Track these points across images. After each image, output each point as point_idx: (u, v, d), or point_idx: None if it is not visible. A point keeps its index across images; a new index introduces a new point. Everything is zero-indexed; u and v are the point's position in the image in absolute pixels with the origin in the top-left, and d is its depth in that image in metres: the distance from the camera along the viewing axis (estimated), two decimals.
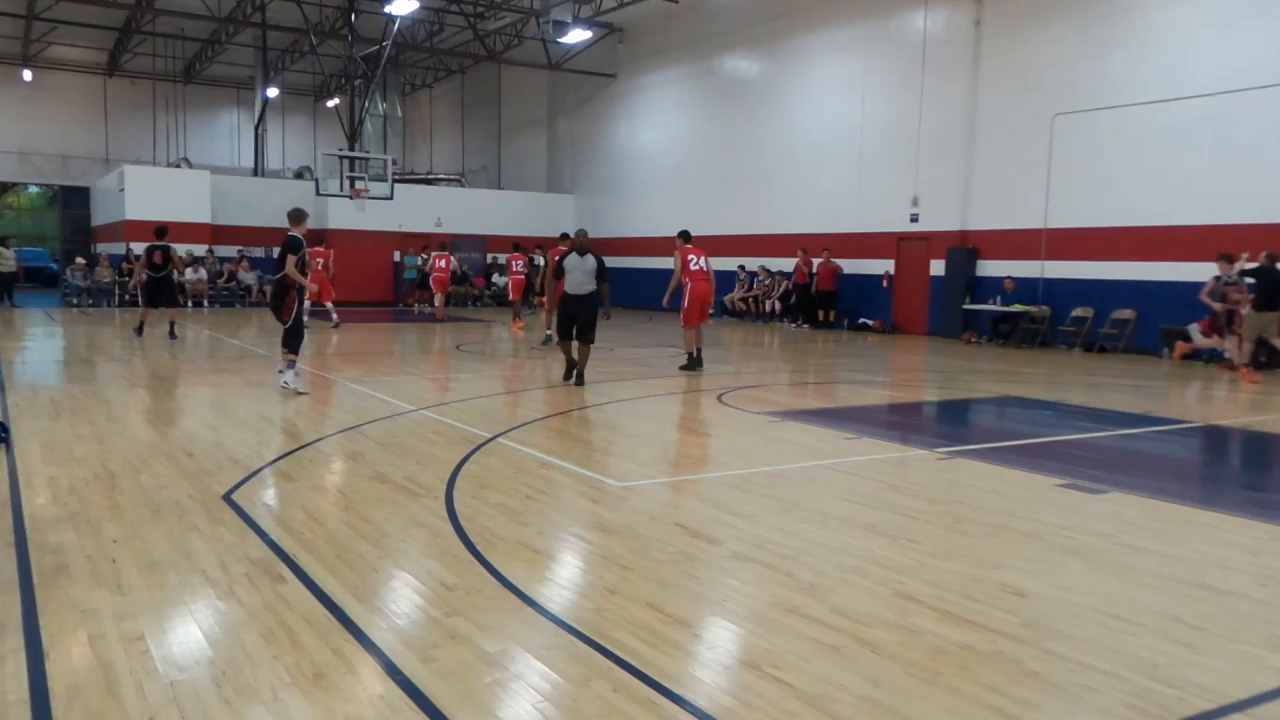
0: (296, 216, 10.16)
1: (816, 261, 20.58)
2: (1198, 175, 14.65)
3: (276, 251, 10.94)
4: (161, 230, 15.31)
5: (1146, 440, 8.33)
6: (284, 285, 9.55)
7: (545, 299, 15.33)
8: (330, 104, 36.40)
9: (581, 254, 10.38)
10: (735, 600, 3.99)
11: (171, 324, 15.69)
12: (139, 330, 15.55)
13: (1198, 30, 14.85)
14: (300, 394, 9.39)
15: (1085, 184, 16.39)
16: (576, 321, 10.29)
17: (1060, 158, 16.78)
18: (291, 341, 9.56)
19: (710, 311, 12.29)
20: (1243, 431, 8.94)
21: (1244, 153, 14.13)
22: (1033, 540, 4.92)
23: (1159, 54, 15.30)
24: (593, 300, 10.33)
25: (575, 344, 10.45)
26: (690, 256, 11.93)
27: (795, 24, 21.94)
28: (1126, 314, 15.77)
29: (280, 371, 9.71)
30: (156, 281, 15.25)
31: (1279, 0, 13.89)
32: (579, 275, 10.33)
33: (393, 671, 3.16)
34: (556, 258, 11.77)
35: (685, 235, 12.50)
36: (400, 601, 3.91)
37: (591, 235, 34.94)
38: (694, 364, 12.08)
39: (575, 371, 10.39)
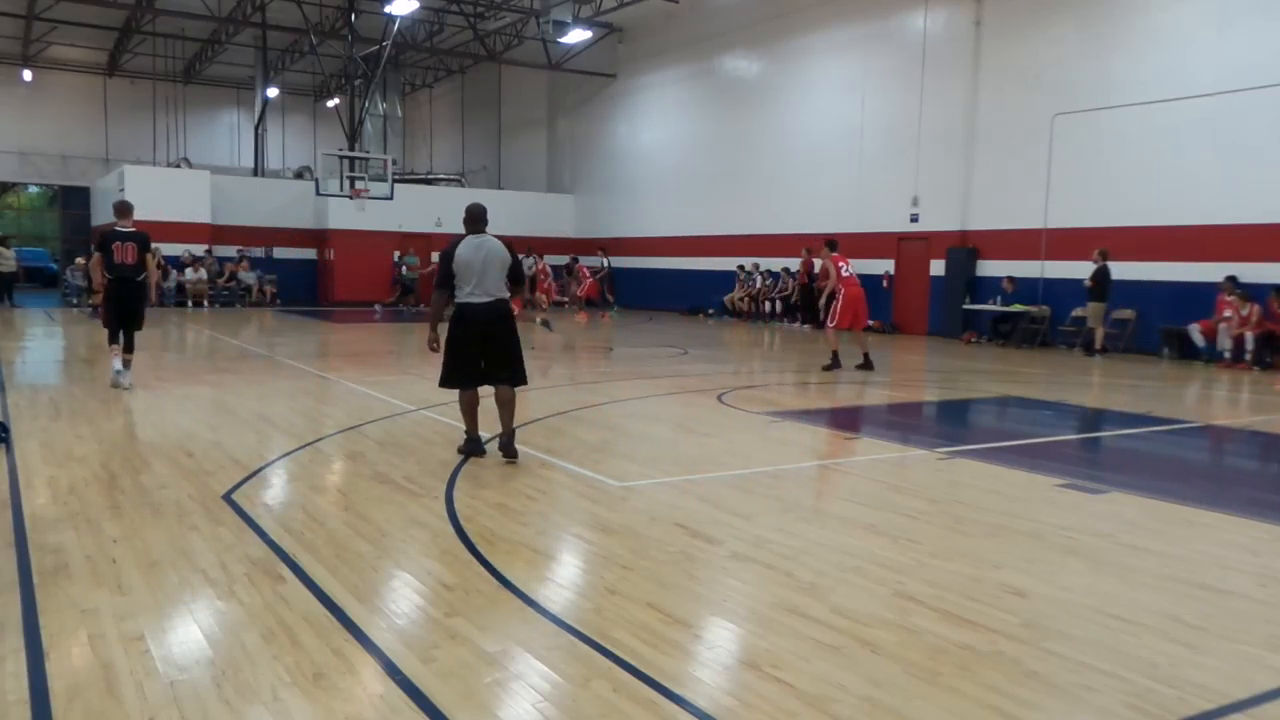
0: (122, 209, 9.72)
1: (819, 262, 20.55)
2: (1198, 175, 14.64)
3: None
4: (124, 207, 9.70)
5: (1146, 440, 8.33)
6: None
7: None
8: (330, 104, 36.39)
9: (479, 236, 6.29)
10: (735, 600, 3.99)
11: (127, 359, 9.73)
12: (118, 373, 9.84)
13: (1197, 30, 14.84)
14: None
15: (1085, 184, 16.39)
16: (484, 353, 6.30)
17: (1060, 158, 16.78)
18: None
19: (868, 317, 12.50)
20: (1243, 431, 8.94)
21: (1244, 153, 14.12)
22: (1033, 540, 4.92)
23: (1159, 54, 15.29)
24: (501, 313, 6.31)
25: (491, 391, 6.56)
26: (841, 264, 12.17)
27: (795, 24, 21.94)
28: (1127, 314, 15.77)
29: None
30: (125, 287, 9.59)
31: (1279, 1, 13.89)
32: (475, 272, 6.18)
33: (393, 671, 3.16)
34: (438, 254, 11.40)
35: (833, 244, 12.52)
36: (400, 601, 3.91)
37: (592, 235, 34.79)
38: (835, 364, 12.34)
39: (503, 441, 6.45)
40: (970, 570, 4.38)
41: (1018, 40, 17.46)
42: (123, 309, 9.64)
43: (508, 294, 6.32)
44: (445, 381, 6.42)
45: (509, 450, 6.39)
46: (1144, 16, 15.63)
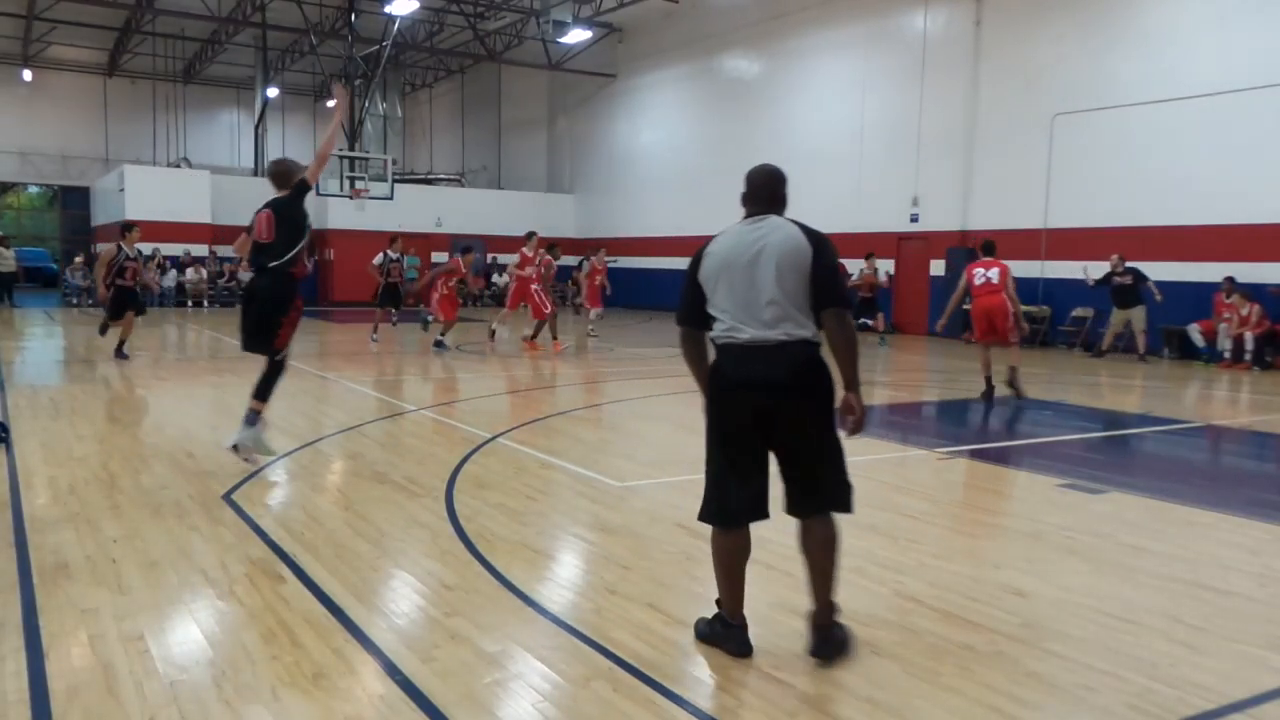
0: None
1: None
2: (1197, 175, 14.63)
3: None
4: (130, 225, 12.47)
5: (1147, 440, 8.33)
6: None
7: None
8: (330, 104, 36.38)
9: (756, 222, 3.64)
10: None
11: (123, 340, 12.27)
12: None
13: (1197, 30, 14.84)
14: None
15: (1085, 184, 16.38)
16: (766, 447, 3.37)
17: (1060, 158, 16.78)
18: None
19: (1013, 326, 10.11)
20: (1243, 431, 8.94)
21: (1244, 152, 14.12)
22: (1033, 540, 4.92)
23: (1159, 54, 15.29)
24: (798, 365, 3.30)
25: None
26: (976, 270, 10.20)
27: (795, 23, 21.94)
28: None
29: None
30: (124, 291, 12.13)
31: (1277, 1, 13.89)
32: (739, 286, 3.39)
33: (393, 671, 3.16)
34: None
35: (987, 247, 10.48)
36: (400, 601, 3.91)
37: (592, 235, 34.77)
38: (989, 393, 10.10)
39: (816, 621, 3.43)
40: (970, 570, 4.38)
41: (1018, 40, 17.46)
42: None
43: (810, 330, 3.29)
44: (706, 513, 3.40)
45: (825, 643, 3.33)
46: (1144, 16, 15.63)
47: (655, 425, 8.58)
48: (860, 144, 20.32)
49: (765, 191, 3.64)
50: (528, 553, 4.53)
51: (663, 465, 6.73)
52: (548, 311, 14.53)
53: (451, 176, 32.96)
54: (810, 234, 3.38)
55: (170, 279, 24.80)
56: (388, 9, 23.37)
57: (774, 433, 3.27)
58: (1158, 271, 15.24)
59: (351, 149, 25.27)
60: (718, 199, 23.61)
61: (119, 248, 11.87)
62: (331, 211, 26.06)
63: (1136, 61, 15.58)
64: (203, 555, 4.36)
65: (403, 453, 6.83)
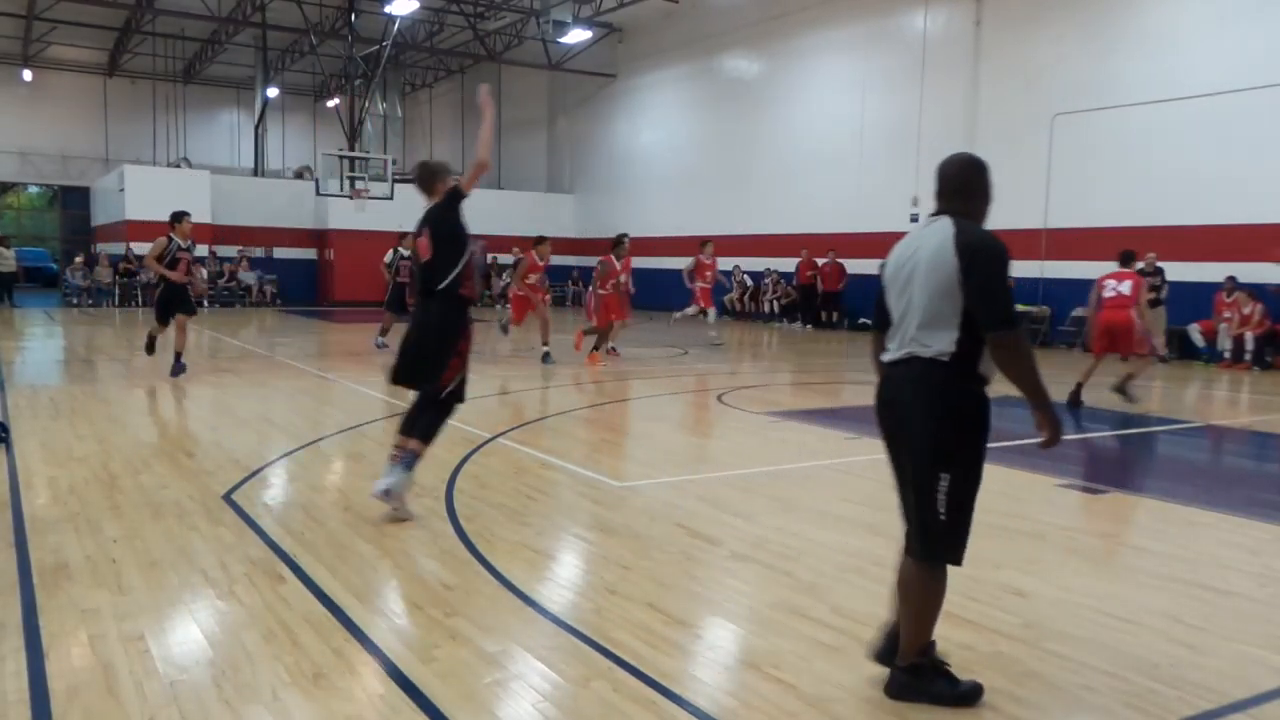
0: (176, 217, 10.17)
1: (822, 261, 20.55)
2: (1197, 175, 14.63)
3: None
4: (180, 215, 10.67)
5: (1146, 440, 8.33)
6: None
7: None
8: (330, 104, 36.38)
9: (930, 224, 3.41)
10: (735, 600, 3.99)
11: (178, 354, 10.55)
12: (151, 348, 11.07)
13: (1197, 30, 14.84)
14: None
15: (1085, 184, 16.38)
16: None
17: (1060, 158, 16.77)
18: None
19: (1141, 340, 9.80)
20: (1243, 431, 8.94)
21: (1244, 152, 14.11)
22: (1033, 540, 4.92)
23: (1159, 53, 15.28)
24: (914, 384, 3.14)
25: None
26: (1108, 282, 9.79)
27: (795, 23, 21.93)
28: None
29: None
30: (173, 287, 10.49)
31: (1277, 1, 13.89)
32: (898, 299, 3.24)
33: (393, 672, 3.16)
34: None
35: (1125, 257, 9.94)
36: (400, 602, 3.91)
37: (591, 235, 34.72)
38: (1074, 400, 9.59)
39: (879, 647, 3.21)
40: (970, 570, 4.37)
41: (1018, 40, 17.45)
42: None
43: (933, 348, 3.01)
44: (961, 552, 3.07)
45: (890, 682, 3.07)
46: (1144, 16, 15.62)
47: (656, 425, 8.57)
48: (860, 144, 20.31)
49: (950, 185, 3.34)
50: (528, 553, 4.53)
51: (663, 465, 6.73)
52: (611, 319, 12.98)
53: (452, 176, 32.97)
54: (963, 241, 3.02)
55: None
56: (388, 9, 23.37)
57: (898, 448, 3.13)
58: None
59: (351, 149, 25.26)
60: (718, 199, 23.82)
61: (169, 238, 10.31)
62: (331, 211, 26.06)
63: (1137, 61, 15.57)
64: (203, 555, 4.35)
65: None
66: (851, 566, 4.41)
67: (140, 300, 24.37)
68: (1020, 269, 17.36)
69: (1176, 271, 14.94)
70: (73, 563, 4.21)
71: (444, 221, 5.25)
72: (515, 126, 32.86)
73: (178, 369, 10.36)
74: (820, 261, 20.55)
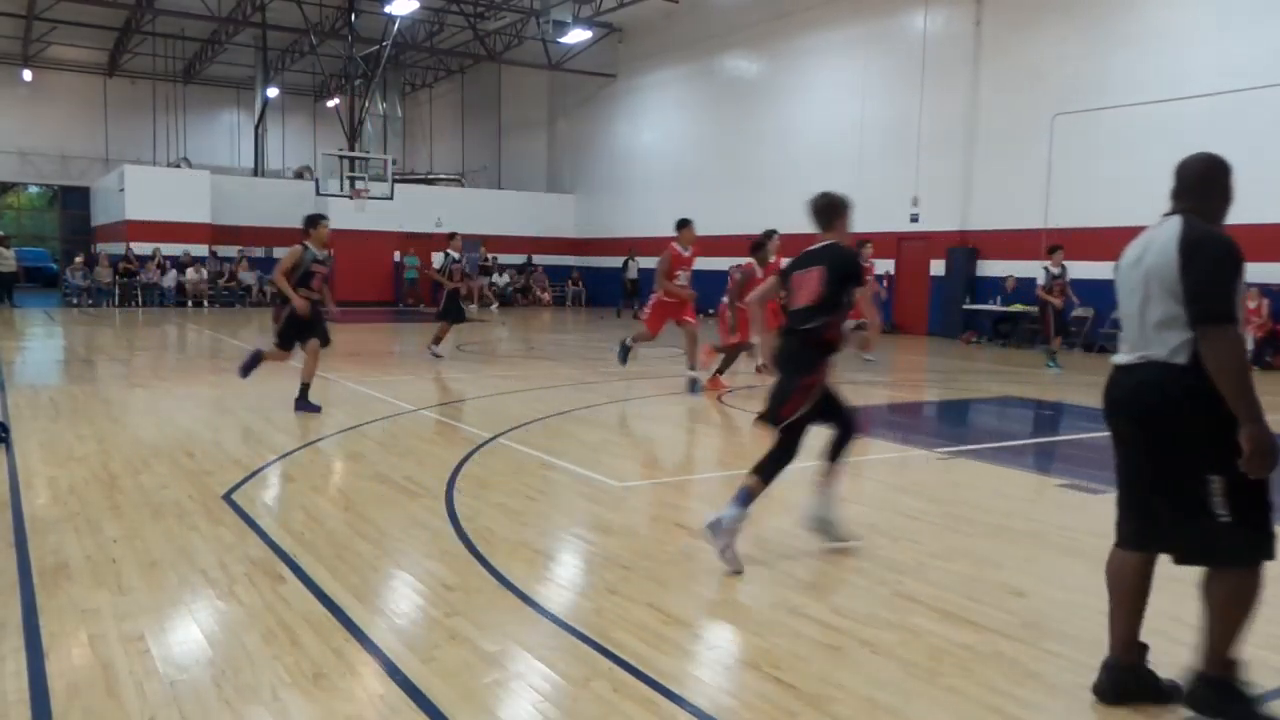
0: (310, 221, 8.38)
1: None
2: None
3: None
4: (315, 219, 8.48)
5: None
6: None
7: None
8: (330, 104, 36.40)
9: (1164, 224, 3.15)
10: (735, 600, 3.99)
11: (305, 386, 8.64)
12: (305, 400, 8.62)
13: (1197, 30, 14.84)
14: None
15: (1085, 184, 16.37)
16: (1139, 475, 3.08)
17: (1060, 158, 16.77)
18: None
19: None
20: None
21: (1244, 153, 14.07)
22: (1033, 540, 4.92)
23: (1159, 54, 15.28)
24: (1159, 393, 2.95)
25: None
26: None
27: (795, 24, 21.93)
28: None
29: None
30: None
31: (1271, 3, 13.88)
32: (1129, 303, 3.11)
33: (393, 671, 3.16)
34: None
35: None
36: (400, 602, 3.91)
37: (590, 235, 34.65)
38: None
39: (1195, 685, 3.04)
40: (970, 570, 4.38)
41: (1018, 40, 17.46)
42: None
43: (1180, 352, 2.84)
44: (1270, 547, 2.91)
45: (1190, 696, 3.00)
46: (1143, 16, 15.63)
47: (656, 425, 8.57)
48: (860, 144, 20.31)
49: (1188, 183, 3.19)
50: (528, 553, 4.53)
51: (663, 466, 6.73)
52: (735, 340, 10.40)
53: (451, 176, 32.96)
54: (1189, 238, 2.88)
55: (170, 279, 24.80)
56: (388, 9, 23.37)
57: (1135, 453, 3.03)
58: None
59: (351, 149, 25.28)
60: (718, 199, 23.81)
61: (304, 247, 8.31)
62: (331, 211, 26.02)
63: (1136, 61, 15.58)
64: (202, 555, 4.35)
65: (403, 453, 6.83)
66: (851, 567, 4.41)
67: (140, 300, 24.38)
68: (1020, 269, 17.37)
69: None
70: (73, 562, 4.21)
71: (848, 266, 4.71)
72: (515, 126, 32.88)
73: (305, 405, 8.42)
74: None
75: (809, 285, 4.60)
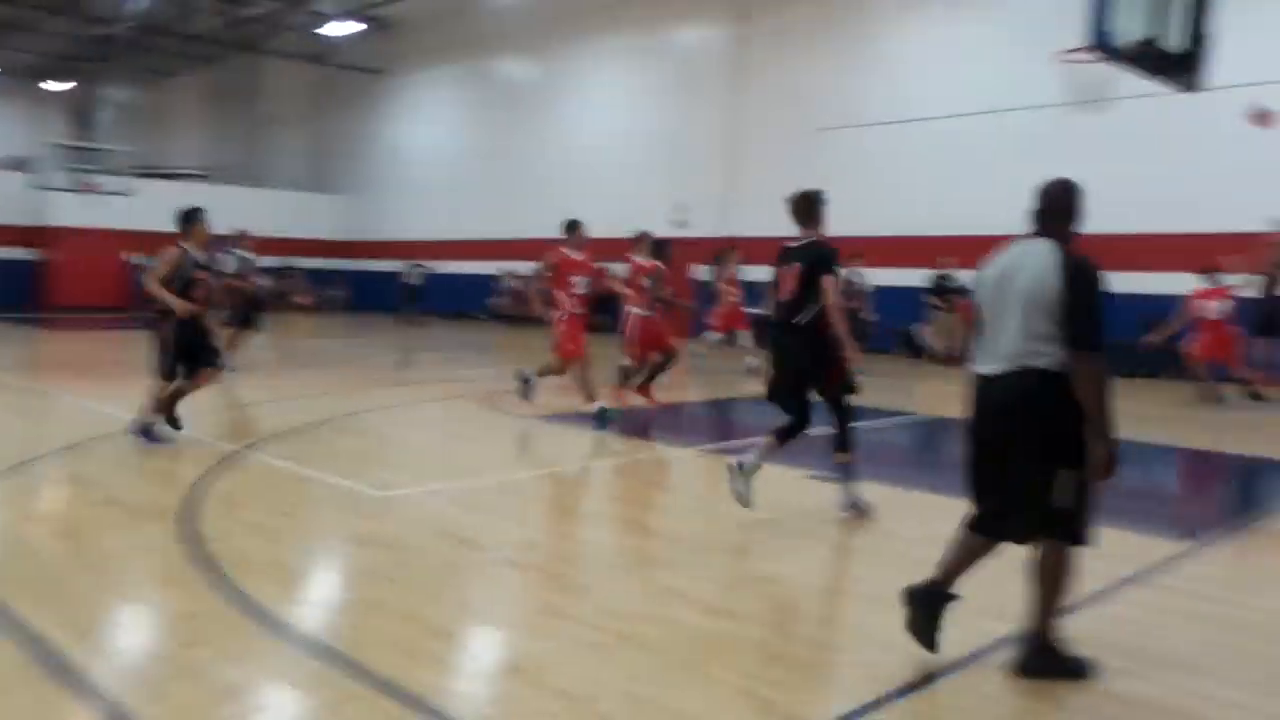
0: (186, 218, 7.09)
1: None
2: (930, 190, 16.19)
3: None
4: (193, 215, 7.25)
5: (895, 432, 9.05)
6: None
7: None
8: (55, 88, 32.65)
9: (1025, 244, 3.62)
10: (501, 606, 3.94)
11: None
12: None
13: (929, 60, 16.52)
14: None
15: (844, 195, 17.60)
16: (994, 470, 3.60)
17: (824, 171, 17.97)
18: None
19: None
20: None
21: (974, 170, 15.70)
22: (794, 528, 5.20)
23: (903, 79, 16.86)
24: (1021, 396, 3.51)
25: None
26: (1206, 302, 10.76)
27: (567, 32, 22.20)
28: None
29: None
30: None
31: (996, 37, 15.66)
32: (990, 313, 3.58)
33: (117, 717, 2.84)
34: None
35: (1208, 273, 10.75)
36: (128, 636, 3.54)
37: (359, 237, 32.97)
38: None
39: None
40: (729, 562, 4.57)
41: (781, 60, 18.67)
42: None
43: (1043, 361, 3.23)
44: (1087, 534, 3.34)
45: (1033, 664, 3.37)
46: (882, 44, 17.26)
47: (420, 431, 8.34)
48: (628, 152, 20.85)
49: (1054, 207, 3.38)
50: (281, 573, 4.24)
51: (427, 473, 6.54)
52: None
53: (197, 172, 30.51)
54: (1066, 265, 3.21)
55: None
56: None
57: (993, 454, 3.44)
58: (892, 277, 16.66)
59: (81, 138, 22.83)
60: (490, 202, 23.57)
61: (182, 250, 7.03)
62: (56, 207, 23.33)
63: (883, 85, 17.14)
64: None
65: (139, 472, 6.21)
66: (620, 565, 4.48)
67: None
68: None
69: (890, 278, 16.30)
70: None
71: (819, 260, 5.17)
72: (276, 121, 31.00)
73: (149, 434, 6.85)
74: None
75: (789, 280, 5.15)
